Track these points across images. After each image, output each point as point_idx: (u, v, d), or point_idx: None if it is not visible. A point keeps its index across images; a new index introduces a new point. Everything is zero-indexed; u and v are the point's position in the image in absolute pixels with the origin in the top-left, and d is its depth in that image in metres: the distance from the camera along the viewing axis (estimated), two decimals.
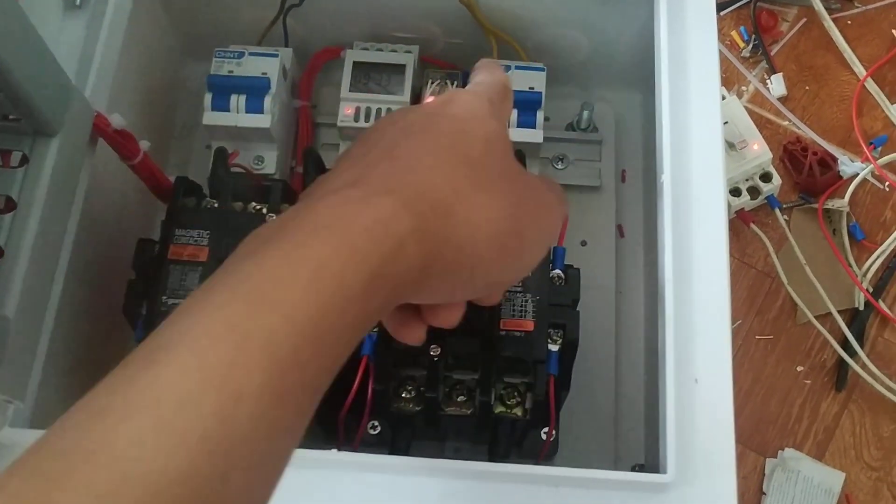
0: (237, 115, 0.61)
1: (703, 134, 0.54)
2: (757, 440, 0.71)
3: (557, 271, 0.53)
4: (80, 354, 0.54)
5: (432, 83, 0.62)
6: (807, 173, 0.78)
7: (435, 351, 0.51)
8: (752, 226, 0.77)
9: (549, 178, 0.46)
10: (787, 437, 0.70)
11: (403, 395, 0.52)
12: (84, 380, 0.55)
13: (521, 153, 0.61)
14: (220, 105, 0.61)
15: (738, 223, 0.76)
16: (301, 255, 0.28)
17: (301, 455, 0.46)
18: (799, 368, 0.74)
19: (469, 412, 0.52)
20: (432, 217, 0.31)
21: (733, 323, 0.50)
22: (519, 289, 0.52)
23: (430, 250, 0.31)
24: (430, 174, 0.32)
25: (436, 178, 0.32)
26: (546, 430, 0.52)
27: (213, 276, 0.28)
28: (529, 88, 0.62)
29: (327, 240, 0.28)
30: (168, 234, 0.53)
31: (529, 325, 0.51)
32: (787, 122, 0.82)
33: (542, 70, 0.63)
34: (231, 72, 0.62)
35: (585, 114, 0.69)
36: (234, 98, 0.61)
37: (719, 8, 0.84)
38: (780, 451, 0.69)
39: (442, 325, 0.37)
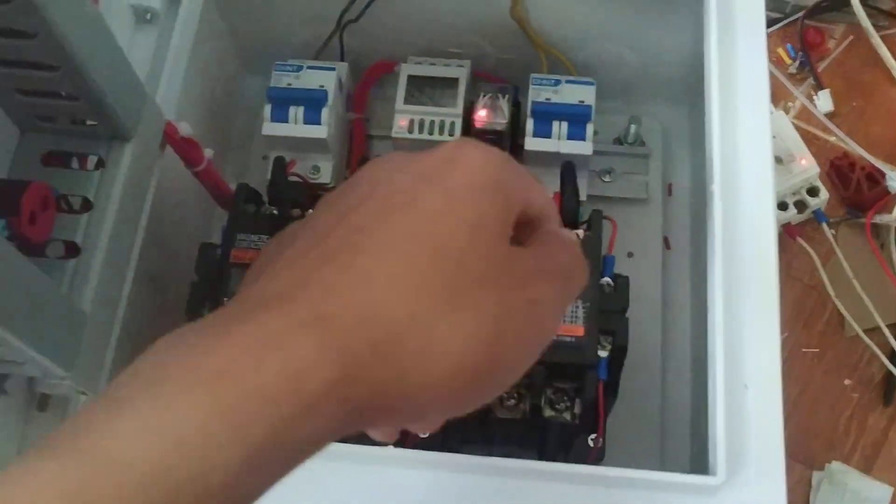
0: (295, 126, 0.63)
1: (751, 146, 0.55)
2: (803, 452, 0.71)
3: (607, 279, 0.54)
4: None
5: (484, 96, 0.64)
6: (854, 188, 0.78)
7: None
8: (799, 240, 0.77)
9: (567, 239, 0.32)
10: (834, 450, 0.70)
11: None
12: None
13: (571, 164, 0.62)
14: (280, 116, 0.63)
15: (785, 237, 0.77)
16: (162, 421, 0.22)
17: (356, 451, 0.47)
18: (846, 382, 0.74)
19: (519, 416, 0.53)
20: (370, 358, 0.25)
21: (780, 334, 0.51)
22: None
23: (361, 399, 0.25)
24: (386, 290, 0.26)
25: (392, 295, 0.26)
26: (594, 436, 0.53)
27: (89, 403, 0.24)
28: (579, 102, 0.64)
29: (201, 401, 0.23)
30: (230, 239, 0.55)
31: (580, 331, 0.52)
32: (834, 138, 0.82)
33: (592, 84, 0.64)
34: (290, 84, 0.64)
35: (633, 128, 0.71)
36: (292, 109, 0.63)
37: (766, 25, 0.84)
38: (827, 464, 0.69)
39: (417, 432, 0.32)
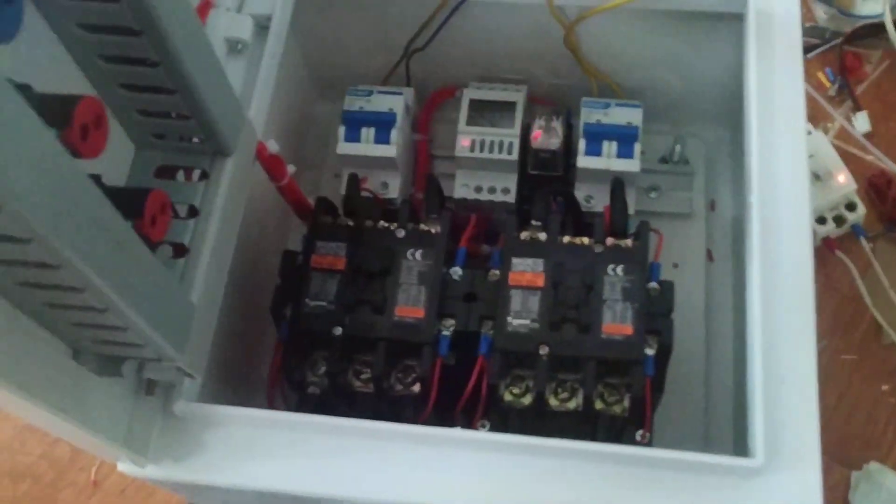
0: (367, 146, 0.69)
1: (789, 162, 0.59)
2: (843, 453, 0.74)
3: (653, 284, 0.59)
4: (234, 345, 0.62)
5: (540, 119, 0.69)
6: (891, 204, 0.82)
7: (543, 350, 0.57)
8: (838, 252, 0.81)
9: None
10: (871, 451, 0.74)
11: (514, 391, 0.58)
12: (235, 368, 0.64)
13: (620, 180, 0.67)
14: (353, 137, 0.69)
15: (824, 250, 0.81)
16: None
17: (424, 432, 0.53)
18: (884, 387, 0.77)
19: (572, 408, 0.58)
20: None
21: (818, 343, 0.55)
22: (620, 298, 0.58)
23: None
24: None
25: None
26: (641, 432, 0.58)
27: None
28: (627, 123, 0.69)
29: None
30: (310, 246, 0.61)
31: (629, 330, 0.57)
32: (871, 157, 0.86)
33: (639, 107, 0.69)
34: (362, 108, 0.70)
35: (678, 148, 0.75)
36: (364, 130, 0.69)
37: (806, 50, 0.88)
38: (864, 465, 0.73)
39: None
